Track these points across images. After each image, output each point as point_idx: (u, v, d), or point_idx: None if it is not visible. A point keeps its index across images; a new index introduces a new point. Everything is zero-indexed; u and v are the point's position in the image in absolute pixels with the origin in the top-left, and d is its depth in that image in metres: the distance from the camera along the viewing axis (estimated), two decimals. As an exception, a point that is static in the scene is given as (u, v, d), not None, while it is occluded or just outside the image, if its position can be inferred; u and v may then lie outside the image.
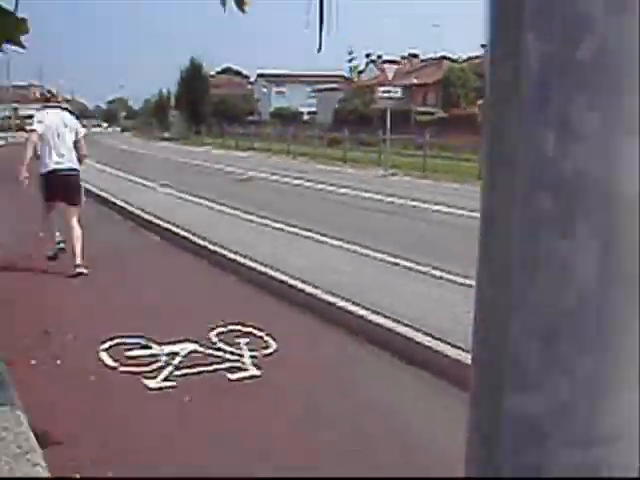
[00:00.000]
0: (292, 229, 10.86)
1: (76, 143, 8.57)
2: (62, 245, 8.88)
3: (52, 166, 8.26)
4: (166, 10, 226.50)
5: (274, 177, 21.30)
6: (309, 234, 10.38)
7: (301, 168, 25.30)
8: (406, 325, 5.65)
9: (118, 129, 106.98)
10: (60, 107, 8.88)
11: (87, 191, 17.60)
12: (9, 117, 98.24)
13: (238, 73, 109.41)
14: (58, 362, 5.13)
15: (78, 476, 3.36)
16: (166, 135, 61.74)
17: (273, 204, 14.43)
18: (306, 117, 64.71)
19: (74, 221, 8.40)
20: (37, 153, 8.39)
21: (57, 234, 8.87)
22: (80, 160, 8.64)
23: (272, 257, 8.51)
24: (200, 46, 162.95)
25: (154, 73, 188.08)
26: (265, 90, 79.42)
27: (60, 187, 8.32)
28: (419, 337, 5.42)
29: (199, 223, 11.45)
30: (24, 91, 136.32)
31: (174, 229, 10.87)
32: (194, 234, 10.24)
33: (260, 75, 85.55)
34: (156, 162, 30.59)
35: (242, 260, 8.44)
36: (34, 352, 5.29)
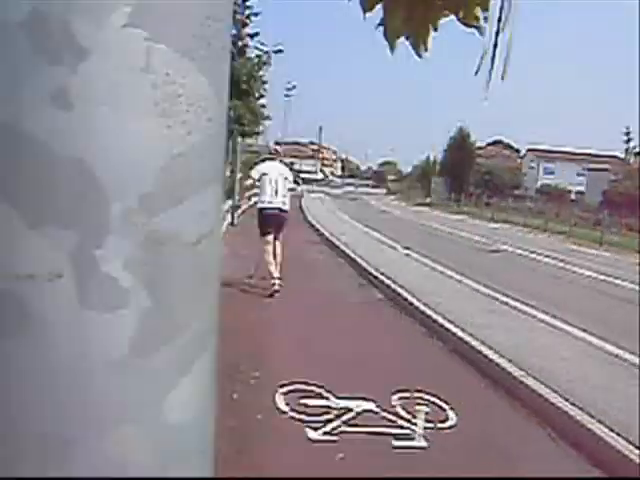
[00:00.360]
0: (526, 308, 10.24)
1: (289, 190, 10.38)
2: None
3: (268, 201, 10.04)
4: (439, 74, 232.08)
5: (522, 252, 20.48)
6: (545, 317, 9.69)
7: (554, 247, 24.09)
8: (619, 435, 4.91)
9: (384, 191, 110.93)
10: (276, 160, 10.67)
11: (327, 239, 18.68)
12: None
13: (509, 146, 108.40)
14: (234, 396, 5.24)
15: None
16: (427, 200, 62.65)
17: (510, 279, 13.86)
18: (573, 196, 61.96)
19: (279, 246, 10.44)
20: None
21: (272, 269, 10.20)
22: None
23: (486, 329, 8.08)
24: (470, 115, 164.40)
25: (425, 138, 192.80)
26: (533, 165, 77.79)
27: (271, 220, 10.11)
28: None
29: (426, 287, 11.29)
30: (302, 147, 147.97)
31: (398, 289, 10.81)
32: (415, 296, 10.10)
33: (530, 150, 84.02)
34: (407, 225, 31.09)
35: (453, 329, 8.11)
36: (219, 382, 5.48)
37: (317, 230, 21.96)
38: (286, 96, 69.75)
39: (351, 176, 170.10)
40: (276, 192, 10.04)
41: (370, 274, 12.55)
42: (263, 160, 11.35)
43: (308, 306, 9.57)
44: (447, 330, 8.12)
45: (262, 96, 27.94)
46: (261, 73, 18.75)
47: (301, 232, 21.43)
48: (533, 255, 19.51)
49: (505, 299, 10.88)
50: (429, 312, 9.01)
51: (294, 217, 27.66)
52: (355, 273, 13.28)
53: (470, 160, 61.75)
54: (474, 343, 7.40)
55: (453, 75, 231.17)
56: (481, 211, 45.47)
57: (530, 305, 10.38)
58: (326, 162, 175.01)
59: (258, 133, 20.21)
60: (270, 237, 10.15)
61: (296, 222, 25.15)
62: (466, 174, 60.25)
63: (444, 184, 61.23)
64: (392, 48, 1.80)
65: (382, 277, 11.94)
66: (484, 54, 1.68)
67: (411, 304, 9.72)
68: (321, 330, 8.07)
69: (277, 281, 9.91)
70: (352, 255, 15.01)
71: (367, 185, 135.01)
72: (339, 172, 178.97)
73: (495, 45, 1.69)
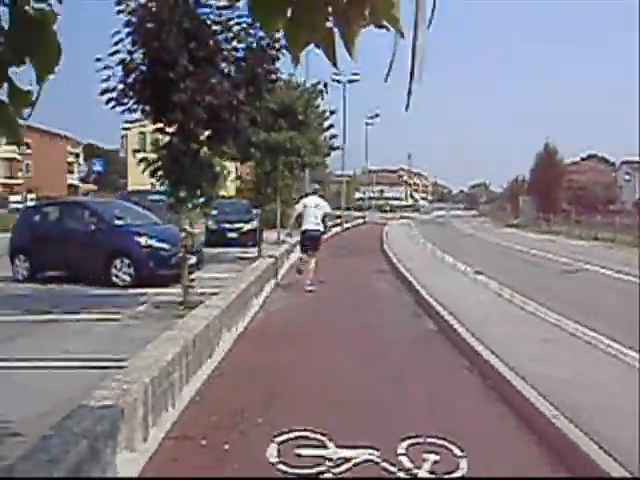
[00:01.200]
0: (593, 335, 9.45)
1: (325, 216, 14.13)
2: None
3: (306, 226, 13.80)
4: (528, 91, 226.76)
5: (604, 271, 19.32)
6: (615, 347, 8.86)
7: (641, 263, 22.62)
8: None
9: (476, 213, 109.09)
10: (318, 195, 14.86)
11: (395, 267, 18.20)
12: (376, 198, 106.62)
13: (603, 160, 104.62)
14: (226, 447, 4.94)
15: None
16: (515, 222, 60.92)
17: (582, 302, 13.01)
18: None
19: (314, 260, 13.98)
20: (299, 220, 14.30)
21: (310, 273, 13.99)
22: (325, 227, 14.45)
23: (532, 361, 7.46)
24: (559, 130, 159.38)
25: (516, 157, 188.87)
26: (629, 177, 74.55)
27: (309, 240, 13.85)
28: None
29: (481, 315, 10.69)
30: (392, 174, 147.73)
31: (450, 319, 10.26)
32: (465, 326, 9.53)
33: (625, 162, 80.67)
34: (487, 248, 30.19)
35: (494, 361, 7.52)
36: (210, 431, 5.22)
37: (389, 258, 21.48)
38: (367, 124, 69.50)
39: (441, 200, 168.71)
40: (313, 218, 13.76)
41: (427, 303, 12.04)
42: (305, 195, 15.28)
43: (345, 343, 9.18)
44: (487, 363, 7.55)
45: (331, 126, 27.89)
46: (317, 103, 18.66)
47: (371, 261, 21.09)
48: (617, 275, 18.34)
49: (570, 325, 10.13)
50: (474, 343, 8.45)
51: (369, 246, 27.45)
52: (413, 302, 12.79)
53: (559, 177, 59.65)
54: (514, 381, 6.78)
55: (543, 91, 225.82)
56: (570, 229, 43.65)
57: (599, 332, 9.54)
58: (416, 188, 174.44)
59: (319, 164, 20.03)
60: (307, 253, 13.99)
61: (370, 252, 24.83)
62: (555, 192, 58.19)
63: (533, 203, 59.35)
64: (296, 60, 1.74)
65: (438, 307, 11.41)
66: (392, 59, 1.64)
67: (459, 335, 9.17)
68: (347, 371, 7.66)
69: (311, 285, 13.71)
70: (414, 283, 14.51)
71: (459, 208, 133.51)
72: (429, 197, 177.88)
73: (413, 51, 1.63)
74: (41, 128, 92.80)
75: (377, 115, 68.32)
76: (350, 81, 46.94)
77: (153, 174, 10.18)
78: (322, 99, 18.51)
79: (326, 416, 5.73)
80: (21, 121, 1.90)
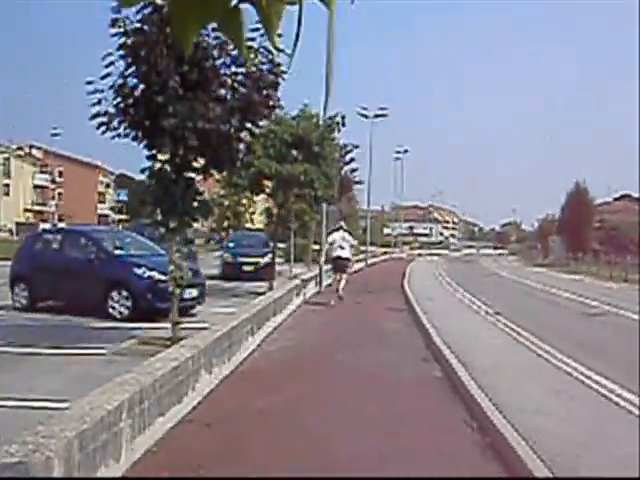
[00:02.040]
0: (611, 387, 8.63)
1: (351, 246, 18.67)
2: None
3: (337, 254, 17.98)
4: (551, 133, 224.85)
5: (630, 315, 18.34)
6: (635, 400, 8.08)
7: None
8: None
9: (506, 252, 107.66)
10: (344, 230, 18.57)
11: (412, 306, 17.43)
12: (404, 234, 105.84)
13: (637, 200, 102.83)
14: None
15: None
16: (544, 261, 59.70)
17: (603, 348, 12.17)
18: None
19: (345, 278, 18.16)
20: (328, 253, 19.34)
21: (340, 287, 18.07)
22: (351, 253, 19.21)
23: (540, 416, 6.71)
24: (592, 169, 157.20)
25: (548, 196, 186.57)
26: (662, 218, 72.73)
27: (339, 264, 18.13)
28: None
29: (491, 363, 9.97)
30: (421, 211, 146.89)
31: (457, 366, 9.51)
32: (471, 374, 8.77)
33: (659, 202, 78.95)
34: (510, 288, 29.26)
35: (494, 417, 6.78)
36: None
37: (407, 296, 20.73)
38: (396, 159, 69.01)
39: (472, 238, 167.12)
40: (340, 248, 17.95)
41: (437, 347, 11.30)
42: (334, 230, 18.96)
43: (340, 390, 8.50)
44: (487, 417, 6.81)
45: (352, 160, 27.40)
46: (334, 136, 18.14)
47: (388, 299, 20.35)
48: (636, 317, 17.39)
49: (585, 374, 9.33)
50: (476, 394, 7.70)
51: (389, 284, 26.61)
52: (424, 345, 12.05)
53: (589, 216, 58.41)
54: (514, 442, 6.03)
55: (573, 130, 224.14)
56: (600, 270, 42.40)
57: (617, 382, 8.73)
58: (446, 225, 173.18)
59: (332, 198, 19.46)
60: (339, 274, 18.24)
61: (389, 289, 24.04)
62: (585, 231, 56.91)
63: (562, 242, 58.13)
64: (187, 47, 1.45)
65: (446, 351, 10.67)
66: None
67: (463, 383, 8.43)
68: (341, 418, 6.98)
69: (341, 294, 17.90)
70: (427, 325, 13.76)
71: (489, 247, 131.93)
72: (459, 234, 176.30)
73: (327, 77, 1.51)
74: (73, 157, 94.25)
75: (406, 151, 67.78)
76: (377, 116, 46.48)
77: (142, 203, 9.70)
78: (339, 131, 17.98)
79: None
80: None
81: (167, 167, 9.51)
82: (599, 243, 63.19)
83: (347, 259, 18.25)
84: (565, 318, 17.45)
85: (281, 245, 26.97)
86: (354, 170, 28.96)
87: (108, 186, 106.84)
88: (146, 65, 8.72)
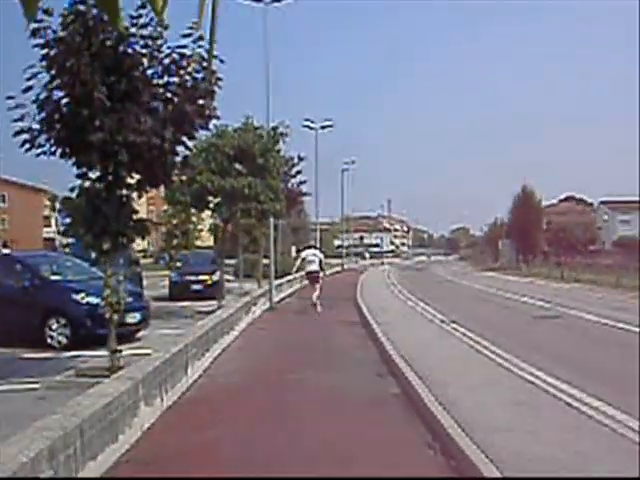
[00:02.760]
0: (576, 394, 8.26)
1: (320, 263, 20.58)
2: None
3: (309, 269, 20.52)
4: (502, 139, 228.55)
5: (584, 315, 18.23)
6: (603, 409, 7.72)
7: (626, 307, 21.57)
8: None
9: (457, 257, 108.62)
10: (315, 247, 22.82)
11: (365, 319, 16.98)
12: (355, 245, 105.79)
13: (581, 201, 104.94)
14: None
15: None
16: (496, 265, 60.17)
17: (561, 352, 11.93)
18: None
19: (317, 289, 20.34)
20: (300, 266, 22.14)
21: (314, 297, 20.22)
22: (322, 268, 20.94)
23: (502, 432, 6.29)
24: (537, 173, 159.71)
25: (495, 200, 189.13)
26: (607, 218, 74.29)
27: (311, 277, 20.60)
28: None
29: (449, 374, 9.58)
30: (372, 221, 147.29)
31: (413, 380, 9.07)
32: (433, 394, 8.28)
33: (603, 202, 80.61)
34: (464, 294, 29.13)
35: (454, 434, 6.33)
36: None
37: (360, 308, 20.30)
38: (343, 171, 68.65)
39: (422, 245, 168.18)
40: (311, 263, 20.56)
41: (393, 361, 10.85)
42: (305, 248, 23.26)
43: (297, 409, 7.98)
44: (450, 438, 6.36)
45: (299, 172, 26.97)
46: (279, 147, 17.66)
47: (341, 312, 19.89)
48: (597, 319, 17.27)
49: (548, 381, 8.99)
50: (437, 412, 7.26)
51: (341, 296, 26.09)
52: (380, 360, 11.59)
53: (537, 219, 59.01)
54: (480, 464, 5.58)
55: (517, 135, 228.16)
56: (550, 271, 42.76)
57: (583, 390, 8.38)
58: (397, 234, 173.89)
59: (280, 211, 18.91)
60: (312, 285, 20.67)
61: (341, 302, 23.54)
62: (534, 234, 57.50)
63: (512, 246, 58.65)
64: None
65: (403, 365, 10.25)
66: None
67: (422, 400, 7.99)
68: (294, 446, 6.45)
69: (318, 306, 19.94)
70: (381, 338, 13.33)
71: (440, 253, 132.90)
72: (410, 242, 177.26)
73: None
74: (18, 182, 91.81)
75: (353, 162, 67.54)
76: (322, 127, 46.22)
77: (69, 226, 9.04)
78: (283, 142, 17.51)
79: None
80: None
81: (98, 185, 8.87)
82: (548, 245, 64.00)
83: (317, 272, 20.63)
84: (520, 322, 17.23)
85: (231, 261, 26.35)
86: (302, 182, 28.41)
87: (54, 209, 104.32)
88: (69, 75, 8.09)
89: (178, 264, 26.62)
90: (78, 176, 8.95)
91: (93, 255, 9.26)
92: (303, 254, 21.55)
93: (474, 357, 11.30)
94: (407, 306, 21.91)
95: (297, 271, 24.53)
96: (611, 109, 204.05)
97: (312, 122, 45.79)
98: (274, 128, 17.27)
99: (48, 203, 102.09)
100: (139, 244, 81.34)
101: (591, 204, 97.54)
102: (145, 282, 29.20)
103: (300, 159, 27.05)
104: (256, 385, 9.56)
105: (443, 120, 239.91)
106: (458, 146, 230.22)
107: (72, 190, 8.97)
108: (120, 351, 9.43)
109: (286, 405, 8.31)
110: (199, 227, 51.95)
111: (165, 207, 44.09)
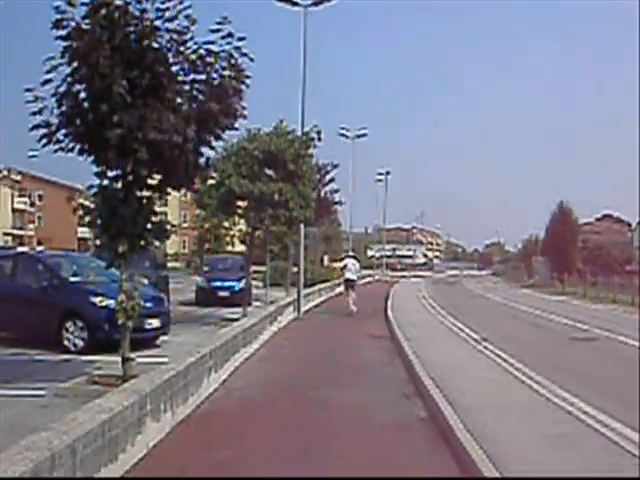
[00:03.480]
0: (619, 428, 7.64)
1: (357, 270, 23.45)
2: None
3: (346, 276, 23.01)
4: (532, 161, 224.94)
5: (620, 338, 17.42)
6: None
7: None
8: None
9: (490, 273, 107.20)
10: (354, 257, 24.65)
11: (394, 333, 16.37)
12: (389, 256, 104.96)
13: (619, 220, 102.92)
14: None
15: None
16: (529, 282, 58.99)
17: (600, 379, 11.23)
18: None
19: (353, 294, 22.58)
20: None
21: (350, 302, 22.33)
22: (359, 275, 26.03)
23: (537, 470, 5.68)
24: (575, 190, 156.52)
25: (531, 216, 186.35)
26: (646, 238, 72.42)
27: (348, 284, 23.03)
28: None
29: (480, 398, 8.96)
30: (405, 232, 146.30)
31: (443, 405, 8.48)
32: (462, 421, 7.69)
33: (641, 222, 78.81)
34: (497, 311, 28.31)
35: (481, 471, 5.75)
36: None
37: (389, 322, 19.69)
38: (378, 181, 68.03)
39: (455, 259, 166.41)
40: (349, 271, 22.82)
41: (421, 381, 10.27)
42: (346, 256, 25.66)
43: (318, 429, 7.45)
44: (480, 472, 5.78)
45: (332, 180, 26.48)
46: (311, 152, 17.17)
47: (370, 325, 19.34)
48: (630, 341, 16.48)
49: (587, 411, 8.33)
50: (467, 441, 6.67)
51: (371, 308, 25.44)
52: (407, 378, 11.02)
53: (573, 237, 57.67)
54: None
55: (558, 150, 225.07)
56: (586, 290, 41.63)
57: (626, 424, 7.71)
58: (430, 246, 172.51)
59: (310, 218, 18.39)
60: (349, 291, 22.85)
61: (371, 314, 22.94)
62: (570, 251, 56.20)
63: (547, 263, 57.41)
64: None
65: (431, 386, 9.65)
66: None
67: (450, 427, 7.41)
68: (315, 469, 5.92)
69: (353, 309, 22.05)
70: (410, 355, 12.74)
71: (472, 268, 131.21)
72: (443, 255, 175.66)
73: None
74: (53, 180, 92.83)
75: (388, 172, 66.89)
76: (358, 136, 45.73)
77: (90, 225, 8.62)
78: (314, 147, 17.00)
79: None
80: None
81: (116, 185, 8.46)
82: (583, 263, 62.58)
83: (354, 280, 23.31)
84: (556, 344, 16.49)
85: (261, 268, 25.91)
86: (335, 191, 27.95)
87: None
88: (88, 68, 7.69)
89: (205, 269, 26.23)
90: (96, 174, 8.55)
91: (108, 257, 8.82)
92: (343, 262, 24.09)
93: (507, 381, 10.64)
94: (437, 321, 21.22)
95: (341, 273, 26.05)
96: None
97: (347, 130, 45.34)
98: (305, 133, 16.82)
99: (84, 202, 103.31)
100: (171, 247, 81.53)
101: (629, 224, 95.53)
102: (176, 286, 29.01)
103: (334, 166, 26.62)
104: (275, 401, 9.05)
105: (484, 134, 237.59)
106: (496, 161, 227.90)
107: (89, 188, 8.58)
108: (133, 359, 8.99)
109: (305, 424, 7.80)
110: (231, 233, 51.86)
111: (197, 211, 44.00)
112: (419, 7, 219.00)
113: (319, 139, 16.51)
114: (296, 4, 21.29)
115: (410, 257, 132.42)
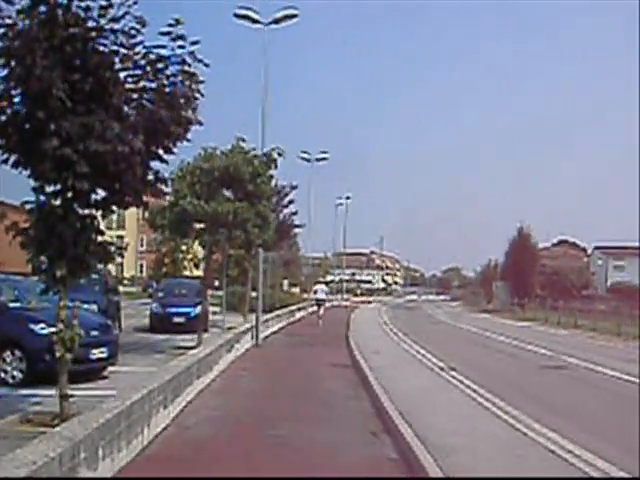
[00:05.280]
0: (590, 458, 7.03)
1: (326, 293, 33.32)
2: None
3: (316, 296, 31.52)
4: (488, 187, 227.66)
5: (590, 365, 16.97)
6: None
7: (629, 356, 20.33)
8: None
9: (448, 298, 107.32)
10: (325, 283, 41.38)
11: (357, 361, 15.67)
12: (347, 280, 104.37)
13: (575, 245, 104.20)
14: None
15: None
16: (489, 307, 58.87)
17: (573, 408, 10.68)
18: (650, 294, 57.04)
19: (322, 311, 30.70)
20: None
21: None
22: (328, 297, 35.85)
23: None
24: (532, 216, 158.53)
25: (489, 242, 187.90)
26: (601, 263, 73.40)
27: (318, 303, 31.20)
28: None
29: (452, 436, 8.27)
30: (364, 258, 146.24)
31: (413, 442, 7.76)
32: (431, 454, 7.02)
33: (597, 247, 79.88)
34: (461, 337, 27.82)
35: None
36: None
37: (351, 349, 18.94)
38: (339, 205, 67.52)
39: (414, 284, 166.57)
40: (320, 292, 31.24)
41: (389, 417, 9.52)
42: (317, 282, 37.27)
43: (278, 474, 6.64)
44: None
45: (291, 202, 25.78)
46: (271, 173, 16.45)
47: (330, 353, 18.59)
48: (599, 369, 16.07)
49: (569, 449, 7.70)
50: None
51: (331, 334, 24.76)
52: (373, 413, 10.27)
53: (533, 262, 57.88)
54: None
55: (513, 179, 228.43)
56: (547, 315, 41.50)
57: (613, 463, 7.10)
58: (389, 271, 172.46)
59: (269, 241, 17.65)
60: (319, 308, 30.61)
61: (331, 341, 22.18)
62: (530, 276, 56.32)
63: (507, 288, 57.39)
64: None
65: (400, 421, 8.93)
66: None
67: (425, 471, 6.68)
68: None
69: (320, 322, 29.20)
70: (374, 385, 12.01)
71: (431, 292, 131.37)
72: (402, 281, 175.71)
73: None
74: (5, 202, 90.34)
75: (348, 197, 66.52)
76: (318, 159, 45.18)
77: (24, 246, 7.73)
78: (275, 167, 16.28)
79: None
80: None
81: (54, 201, 7.60)
82: (541, 288, 62.77)
83: (323, 299, 31.43)
84: (526, 372, 15.95)
85: (219, 293, 24.99)
86: (293, 213, 27.29)
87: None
88: (23, 68, 6.86)
89: (160, 294, 25.14)
90: (33, 189, 7.69)
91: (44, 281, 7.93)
92: (315, 287, 32.74)
93: (481, 415, 9.96)
94: (401, 348, 20.54)
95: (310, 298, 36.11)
96: (608, 158, 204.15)
97: (308, 154, 44.78)
98: (266, 154, 16.13)
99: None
100: (128, 271, 79.41)
101: (585, 249, 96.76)
102: (130, 311, 27.81)
103: (293, 187, 25.96)
104: (231, 440, 8.22)
105: (440, 160, 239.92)
106: (453, 188, 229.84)
107: (24, 204, 7.70)
108: (72, 396, 8.07)
109: (264, 468, 6.98)
110: (188, 256, 50.72)
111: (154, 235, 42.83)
112: (382, 24, 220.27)
113: (280, 158, 15.82)
114: (256, 22, 20.76)
115: (369, 282, 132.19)
